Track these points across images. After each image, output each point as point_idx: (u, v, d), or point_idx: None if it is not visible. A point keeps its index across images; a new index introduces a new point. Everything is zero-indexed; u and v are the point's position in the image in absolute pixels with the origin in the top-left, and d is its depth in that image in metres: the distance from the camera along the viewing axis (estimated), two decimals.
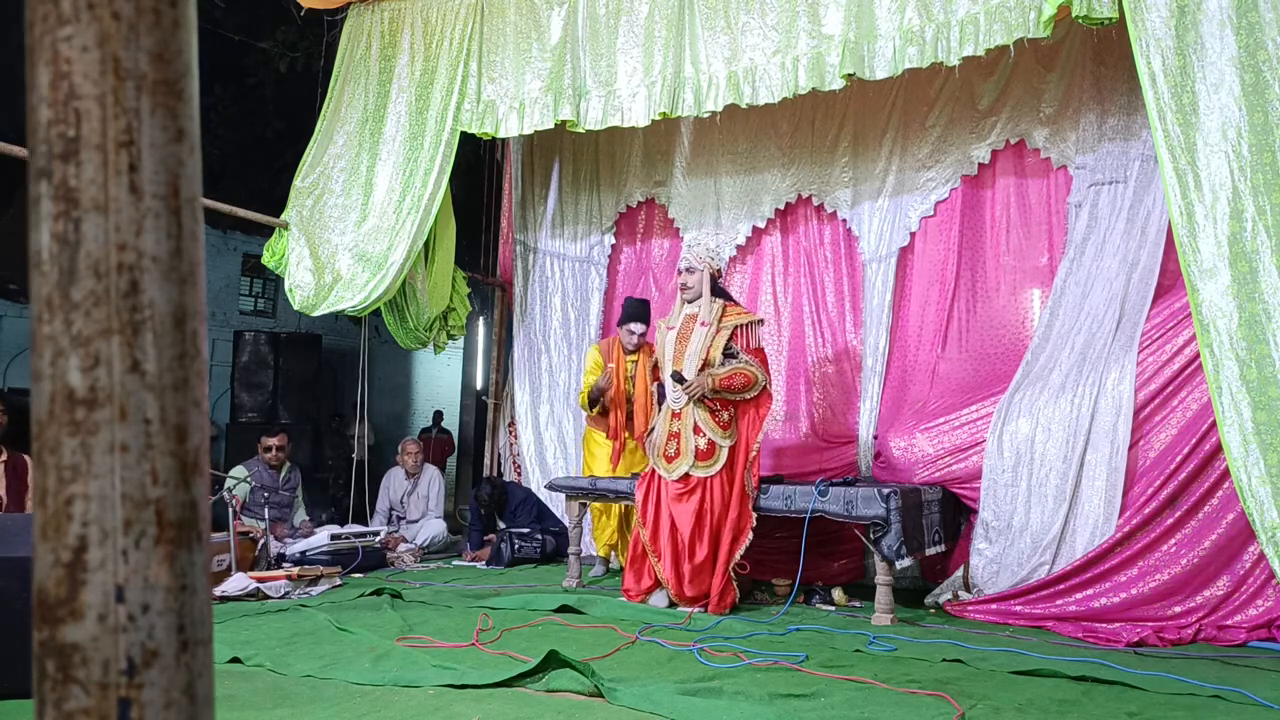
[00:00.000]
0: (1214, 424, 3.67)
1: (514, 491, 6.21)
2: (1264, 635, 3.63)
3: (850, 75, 4.48)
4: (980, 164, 5.31)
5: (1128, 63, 4.12)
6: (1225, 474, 3.69)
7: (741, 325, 4.39)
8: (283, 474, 6.08)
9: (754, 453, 4.33)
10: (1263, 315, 3.55)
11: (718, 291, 4.50)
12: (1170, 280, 4.30)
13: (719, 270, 4.54)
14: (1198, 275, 3.69)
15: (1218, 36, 3.73)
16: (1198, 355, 3.78)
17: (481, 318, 8.81)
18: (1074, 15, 3.88)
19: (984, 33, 4.16)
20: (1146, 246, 4.50)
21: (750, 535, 4.25)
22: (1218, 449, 3.70)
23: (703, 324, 4.40)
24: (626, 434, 5.38)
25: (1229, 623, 3.70)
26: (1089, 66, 4.96)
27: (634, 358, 5.39)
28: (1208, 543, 3.81)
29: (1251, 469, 3.48)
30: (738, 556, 4.23)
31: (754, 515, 4.29)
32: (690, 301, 4.48)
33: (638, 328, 5.34)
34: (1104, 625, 3.78)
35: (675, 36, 5.05)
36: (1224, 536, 3.78)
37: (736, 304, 4.61)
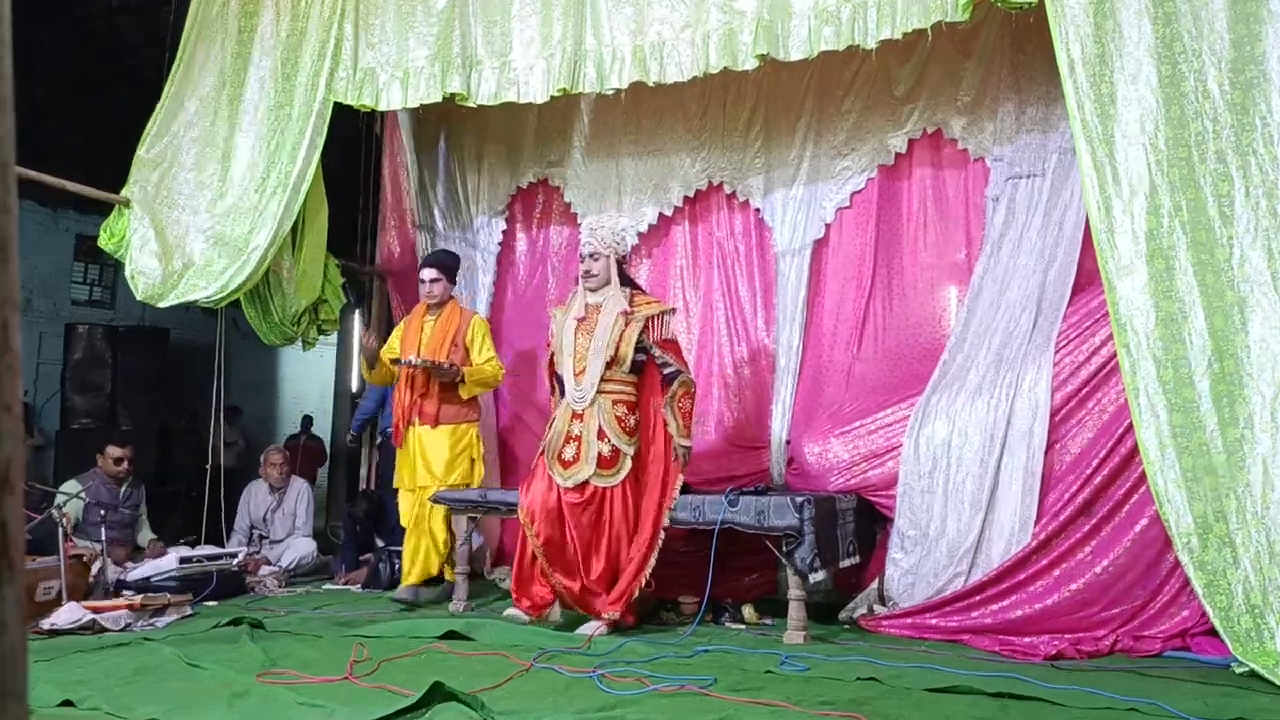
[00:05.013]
0: (1131, 426, 3.84)
1: (394, 506, 6.06)
2: (1179, 645, 3.83)
3: (764, 55, 4.54)
4: (897, 153, 5.44)
5: (1046, 50, 4.29)
6: (1142, 478, 3.85)
7: (654, 316, 4.39)
8: (123, 489, 5.78)
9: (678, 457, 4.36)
10: (1178, 314, 3.75)
11: (625, 279, 4.48)
12: (1087, 278, 4.48)
13: (624, 255, 4.53)
14: (1115, 272, 3.86)
15: (1135, 25, 3.92)
16: (1115, 355, 3.96)
17: (358, 311, 8.56)
18: None
19: (901, 15, 4.28)
20: (1063, 243, 4.70)
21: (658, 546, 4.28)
22: (1135, 452, 3.87)
23: (611, 314, 4.34)
24: (416, 416, 5.11)
25: (1145, 633, 3.88)
26: (1007, 54, 5.14)
27: (433, 318, 5.19)
28: (1123, 549, 3.99)
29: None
30: (649, 569, 4.24)
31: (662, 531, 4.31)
32: (594, 290, 4.44)
33: (427, 274, 5.20)
34: (1020, 638, 3.92)
35: (575, 5, 5.01)
36: (1139, 543, 3.96)
37: (642, 291, 4.62)
